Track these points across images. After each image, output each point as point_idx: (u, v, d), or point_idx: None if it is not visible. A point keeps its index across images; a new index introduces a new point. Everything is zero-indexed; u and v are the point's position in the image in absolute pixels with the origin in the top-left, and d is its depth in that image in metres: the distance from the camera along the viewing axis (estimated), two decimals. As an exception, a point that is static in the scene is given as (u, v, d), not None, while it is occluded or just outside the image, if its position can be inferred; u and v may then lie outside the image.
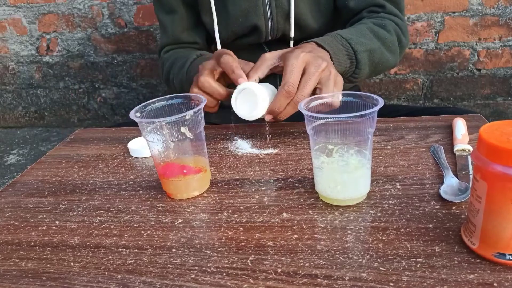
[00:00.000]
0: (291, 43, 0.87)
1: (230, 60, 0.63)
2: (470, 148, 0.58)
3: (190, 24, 0.92)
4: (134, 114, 0.51)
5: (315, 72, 0.59)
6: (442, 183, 0.51)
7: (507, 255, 0.37)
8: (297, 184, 0.55)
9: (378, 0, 0.82)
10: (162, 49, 0.95)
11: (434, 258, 0.40)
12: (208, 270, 0.41)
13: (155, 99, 0.55)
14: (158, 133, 0.51)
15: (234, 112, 0.63)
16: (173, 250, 0.45)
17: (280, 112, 0.60)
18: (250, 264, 0.41)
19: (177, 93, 0.58)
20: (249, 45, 0.90)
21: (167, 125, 0.50)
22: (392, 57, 0.79)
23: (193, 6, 0.90)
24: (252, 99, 0.61)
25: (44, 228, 0.51)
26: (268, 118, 0.61)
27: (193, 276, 0.41)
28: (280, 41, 0.89)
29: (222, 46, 0.88)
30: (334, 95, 0.52)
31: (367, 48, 0.71)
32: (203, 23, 0.93)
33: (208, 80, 0.64)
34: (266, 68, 0.63)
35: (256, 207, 0.51)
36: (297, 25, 0.85)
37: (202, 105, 0.52)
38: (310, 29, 0.86)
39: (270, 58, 0.64)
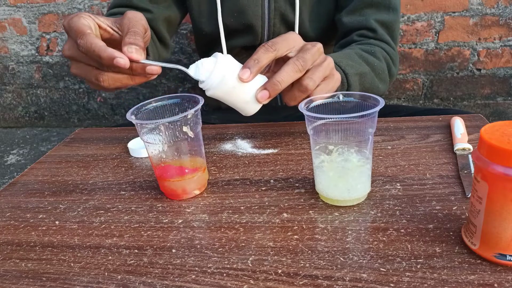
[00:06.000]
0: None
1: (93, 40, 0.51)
2: (470, 147, 0.58)
3: None
4: (131, 117, 0.51)
5: (312, 47, 0.56)
6: (442, 183, 0.51)
7: (507, 256, 0.37)
8: (297, 184, 0.55)
9: (370, 23, 0.79)
10: (110, 10, 0.85)
11: (435, 259, 0.40)
12: (208, 270, 0.41)
13: (145, 101, 0.54)
14: (157, 133, 0.51)
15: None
16: (173, 250, 0.45)
17: (281, 88, 0.53)
18: (250, 265, 0.41)
19: None
20: (244, 48, 0.88)
21: (169, 125, 0.50)
22: (382, 84, 0.76)
23: None
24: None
25: (44, 228, 0.51)
26: (263, 95, 0.54)
27: (193, 276, 0.40)
28: None
29: (212, 47, 0.86)
30: (335, 95, 0.52)
31: (357, 72, 0.68)
32: (179, 8, 0.88)
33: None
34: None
35: (256, 207, 0.51)
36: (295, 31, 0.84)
37: (199, 106, 0.51)
38: (307, 37, 0.85)
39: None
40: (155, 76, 0.55)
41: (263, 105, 0.87)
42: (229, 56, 0.55)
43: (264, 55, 0.54)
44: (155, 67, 0.53)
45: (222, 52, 0.82)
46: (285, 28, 0.84)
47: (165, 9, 0.86)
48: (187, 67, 0.54)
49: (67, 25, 0.54)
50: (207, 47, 0.91)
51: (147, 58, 0.63)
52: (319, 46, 0.56)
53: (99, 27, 0.56)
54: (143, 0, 0.83)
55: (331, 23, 0.87)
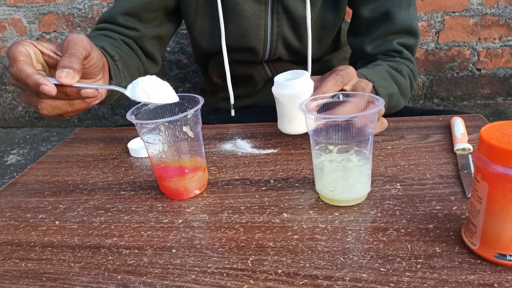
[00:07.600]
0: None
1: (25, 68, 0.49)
2: (470, 146, 0.58)
3: (151, 17, 0.82)
4: (131, 117, 0.51)
5: (366, 87, 0.60)
6: (442, 183, 0.51)
7: (507, 256, 0.37)
8: (297, 184, 0.55)
9: (395, 47, 0.81)
10: (96, 25, 0.83)
11: (435, 258, 0.40)
12: (208, 270, 0.41)
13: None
14: (157, 133, 0.51)
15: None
16: (173, 250, 0.45)
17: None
18: (250, 265, 0.41)
19: None
20: (247, 61, 0.88)
21: (169, 125, 0.50)
22: (404, 101, 0.79)
23: (173, 9, 0.84)
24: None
25: (44, 228, 0.51)
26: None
27: (193, 276, 0.40)
28: (279, 60, 0.88)
29: (210, 58, 0.85)
30: (335, 95, 0.52)
31: (388, 93, 0.71)
32: (173, 25, 0.87)
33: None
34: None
35: (256, 207, 0.51)
36: (296, 52, 0.85)
37: (199, 106, 0.51)
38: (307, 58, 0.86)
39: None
40: (95, 101, 0.53)
41: (264, 106, 0.87)
42: (310, 78, 0.60)
43: (331, 88, 0.57)
44: (90, 90, 0.51)
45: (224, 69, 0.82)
46: (286, 51, 0.85)
47: (155, 27, 0.84)
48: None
49: (7, 54, 0.53)
50: (206, 60, 0.92)
51: (110, 83, 0.61)
52: (371, 86, 0.61)
53: (42, 53, 0.54)
54: (129, 19, 0.81)
55: (330, 46, 0.89)
